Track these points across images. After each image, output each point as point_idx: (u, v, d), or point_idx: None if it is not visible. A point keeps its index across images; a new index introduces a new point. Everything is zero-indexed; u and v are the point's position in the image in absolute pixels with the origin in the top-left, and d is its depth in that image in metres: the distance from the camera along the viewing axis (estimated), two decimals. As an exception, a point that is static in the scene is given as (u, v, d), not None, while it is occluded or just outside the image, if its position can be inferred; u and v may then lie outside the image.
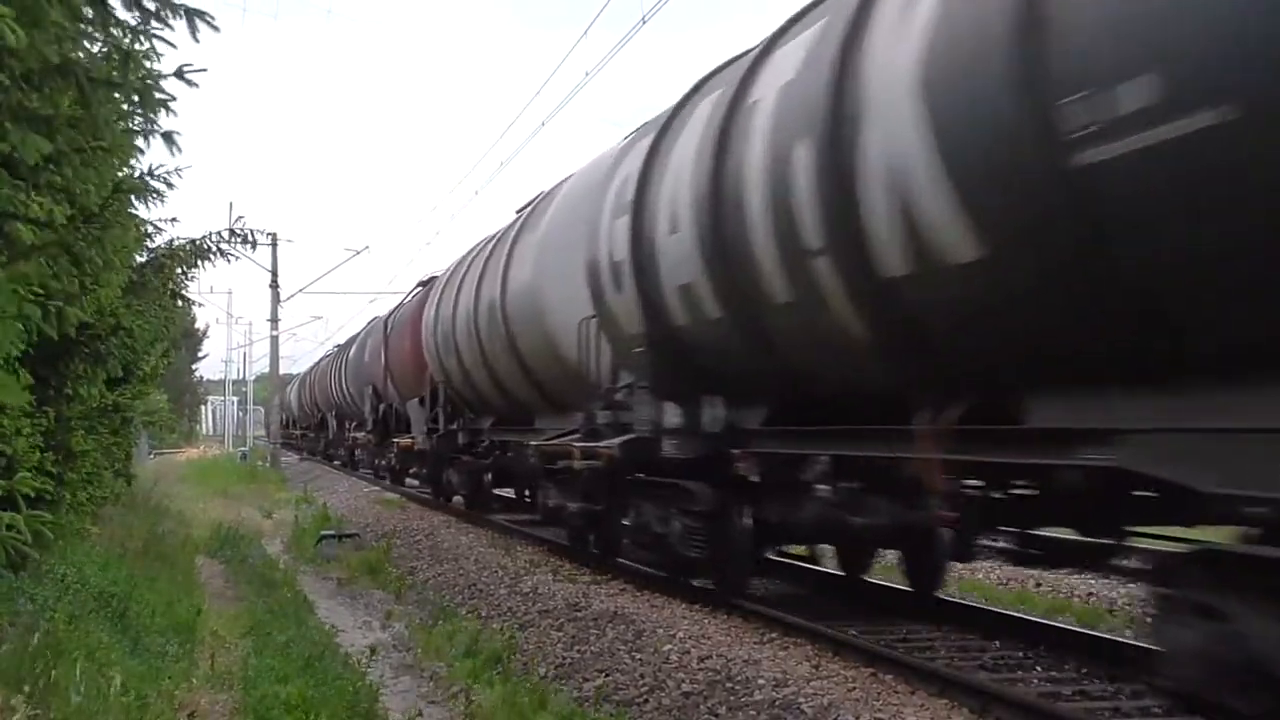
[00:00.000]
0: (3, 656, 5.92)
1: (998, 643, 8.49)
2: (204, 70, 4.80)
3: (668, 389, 9.79)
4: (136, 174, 7.53)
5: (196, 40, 4.49)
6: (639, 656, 8.47)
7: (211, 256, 11.47)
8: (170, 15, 4.47)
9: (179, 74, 4.79)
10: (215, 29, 4.50)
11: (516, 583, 12.10)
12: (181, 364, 60.48)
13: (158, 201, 8.16)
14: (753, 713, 6.86)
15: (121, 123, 5.03)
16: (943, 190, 5.78)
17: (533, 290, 14.01)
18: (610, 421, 10.90)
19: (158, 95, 4.65)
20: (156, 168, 8.02)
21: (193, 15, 4.47)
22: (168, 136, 5.12)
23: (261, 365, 66.94)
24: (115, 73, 4.41)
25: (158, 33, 4.51)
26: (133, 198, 7.46)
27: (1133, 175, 4.68)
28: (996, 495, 7.06)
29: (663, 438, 9.72)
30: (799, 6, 8.37)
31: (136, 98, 4.51)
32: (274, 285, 42.65)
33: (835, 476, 8.15)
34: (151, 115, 4.84)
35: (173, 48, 4.59)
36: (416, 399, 21.46)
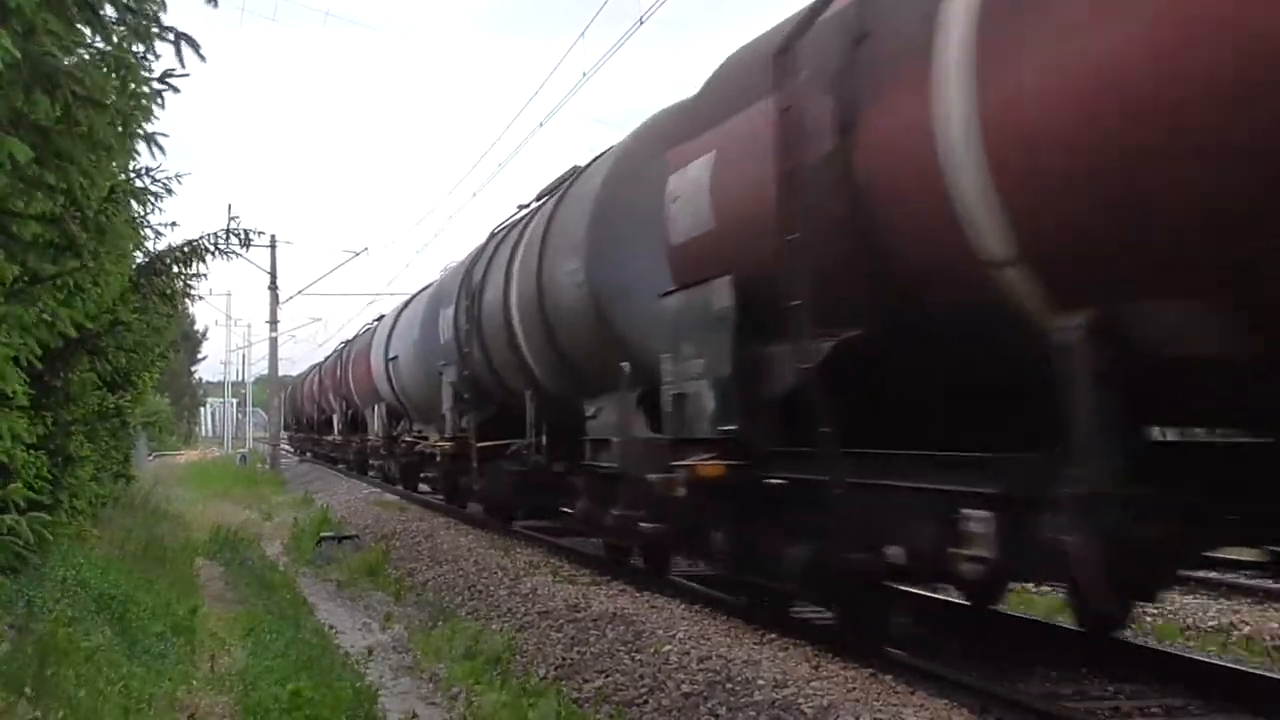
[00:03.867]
0: (3, 659, 5.92)
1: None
2: (186, 75, 4.80)
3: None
4: (133, 176, 7.53)
5: (182, 65, 4.51)
6: (639, 657, 8.47)
7: (209, 256, 11.48)
8: (158, 39, 4.48)
9: (163, 79, 4.78)
10: (202, 58, 4.51)
11: (516, 584, 12.10)
12: (180, 366, 60.41)
13: (156, 207, 8.17)
14: (752, 713, 6.86)
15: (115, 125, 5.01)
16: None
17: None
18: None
19: (145, 104, 4.67)
20: (154, 169, 8.02)
21: (180, 39, 4.47)
22: (149, 139, 5.11)
23: (260, 367, 66.95)
24: (114, 80, 4.42)
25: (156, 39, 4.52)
26: (131, 200, 7.47)
27: None
28: None
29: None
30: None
31: (120, 120, 4.53)
32: (273, 287, 42.74)
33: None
34: (138, 124, 4.85)
35: (157, 57, 4.59)
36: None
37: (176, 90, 4.79)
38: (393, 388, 24.99)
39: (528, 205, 15.87)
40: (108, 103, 4.33)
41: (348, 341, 37.49)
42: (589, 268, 11.22)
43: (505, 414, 15.51)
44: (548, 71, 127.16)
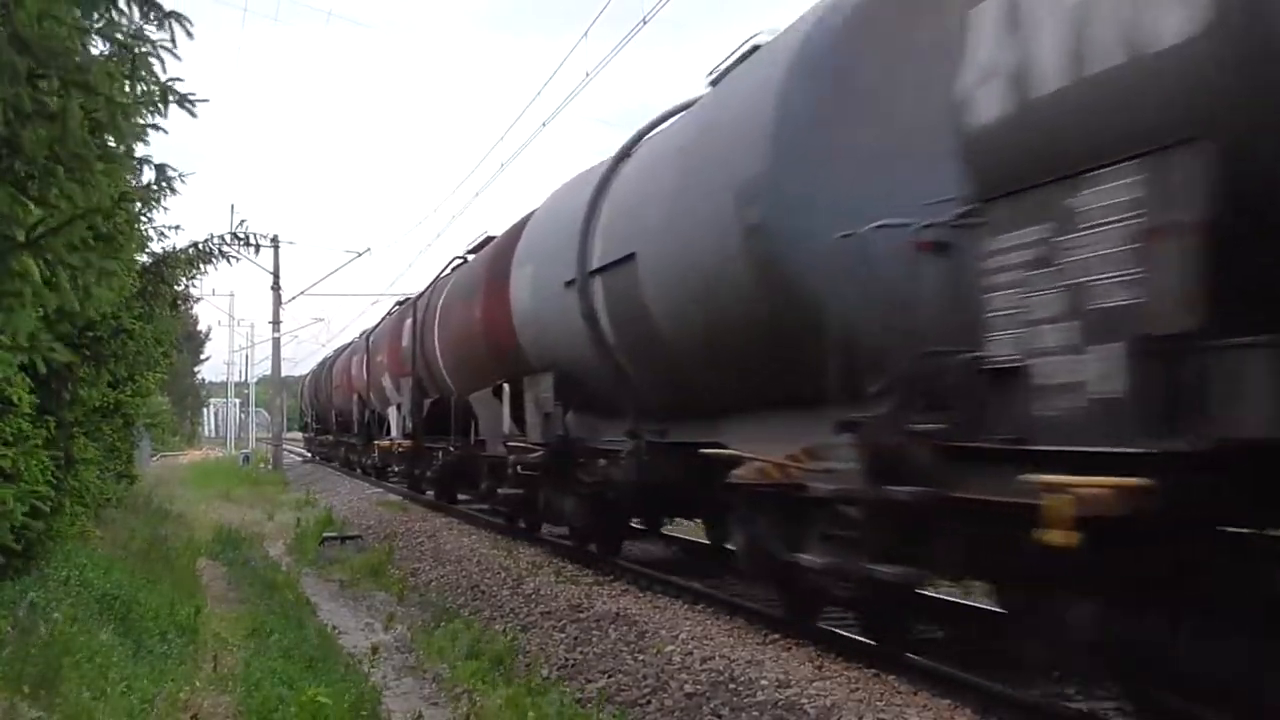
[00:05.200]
0: (6, 658, 5.93)
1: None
2: (205, 101, 4.63)
3: None
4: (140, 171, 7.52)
5: (174, 46, 4.35)
6: (642, 658, 8.48)
7: (214, 260, 11.50)
8: (152, 17, 4.34)
9: (180, 102, 4.60)
10: (190, 35, 4.36)
11: (519, 584, 12.10)
12: (183, 367, 60.29)
13: (161, 206, 8.18)
14: (755, 713, 6.86)
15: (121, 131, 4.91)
16: None
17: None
18: None
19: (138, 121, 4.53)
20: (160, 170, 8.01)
21: (167, 18, 4.31)
22: (160, 169, 4.96)
23: (263, 367, 66.84)
24: (125, 74, 4.33)
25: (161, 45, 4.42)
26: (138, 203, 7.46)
27: None
28: None
29: None
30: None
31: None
32: (276, 287, 42.73)
33: None
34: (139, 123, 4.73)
35: (176, 59, 4.45)
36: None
37: (195, 114, 4.59)
38: (598, 332, 11.30)
39: None
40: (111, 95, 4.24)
41: (405, 300, 25.42)
42: None
43: None
44: (550, 71, 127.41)
